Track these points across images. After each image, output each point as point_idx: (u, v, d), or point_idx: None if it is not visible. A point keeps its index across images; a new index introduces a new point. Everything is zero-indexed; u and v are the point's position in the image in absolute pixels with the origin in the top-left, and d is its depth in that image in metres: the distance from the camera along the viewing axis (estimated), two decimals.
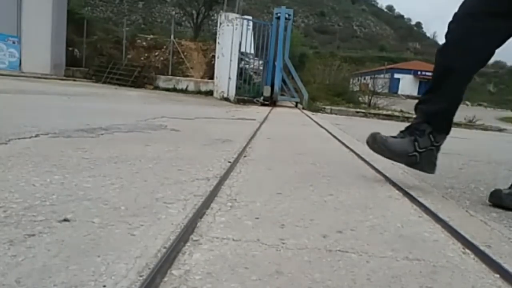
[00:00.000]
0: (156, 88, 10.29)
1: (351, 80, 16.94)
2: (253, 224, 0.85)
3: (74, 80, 10.49)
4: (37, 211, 0.80)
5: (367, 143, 1.35)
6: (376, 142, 1.31)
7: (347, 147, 2.43)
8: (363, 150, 2.31)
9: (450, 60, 1.29)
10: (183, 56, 11.54)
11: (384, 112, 8.50)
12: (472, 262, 0.77)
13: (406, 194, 1.28)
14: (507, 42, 1.25)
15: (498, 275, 0.71)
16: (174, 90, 10.01)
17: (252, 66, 8.82)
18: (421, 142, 1.32)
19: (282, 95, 8.37)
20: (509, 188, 1.28)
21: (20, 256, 0.60)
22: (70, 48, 12.85)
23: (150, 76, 10.69)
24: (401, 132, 1.37)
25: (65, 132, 1.91)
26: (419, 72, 46.09)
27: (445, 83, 1.30)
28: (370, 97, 13.10)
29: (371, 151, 1.41)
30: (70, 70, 12.05)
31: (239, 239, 0.75)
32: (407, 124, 1.39)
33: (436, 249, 0.81)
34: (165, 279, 0.58)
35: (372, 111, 8.78)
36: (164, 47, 11.86)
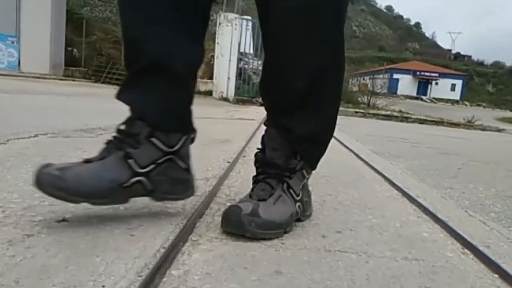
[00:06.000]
0: None
1: (350, 80, 16.98)
2: None
3: (73, 80, 10.49)
4: (36, 211, 0.80)
5: None
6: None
7: (346, 147, 2.43)
8: (362, 150, 2.31)
9: None
10: None
11: (383, 112, 8.52)
12: (471, 262, 0.77)
13: (405, 194, 1.28)
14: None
15: (497, 275, 0.71)
16: None
17: (251, 66, 8.82)
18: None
19: None
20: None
21: (19, 256, 0.60)
22: (69, 48, 12.85)
23: None
24: None
25: (64, 132, 1.91)
26: (418, 72, 46.15)
27: None
28: (369, 97, 13.12)
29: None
30: (69, 70, 12.04)
31: (238, 239, 0.75)
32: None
33: (435, 249, 0.81)
34: (164, 279, 0.58)
35: (371, 111, 8.80)
36: None
